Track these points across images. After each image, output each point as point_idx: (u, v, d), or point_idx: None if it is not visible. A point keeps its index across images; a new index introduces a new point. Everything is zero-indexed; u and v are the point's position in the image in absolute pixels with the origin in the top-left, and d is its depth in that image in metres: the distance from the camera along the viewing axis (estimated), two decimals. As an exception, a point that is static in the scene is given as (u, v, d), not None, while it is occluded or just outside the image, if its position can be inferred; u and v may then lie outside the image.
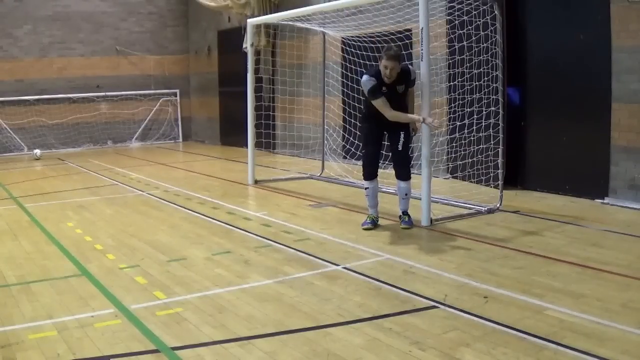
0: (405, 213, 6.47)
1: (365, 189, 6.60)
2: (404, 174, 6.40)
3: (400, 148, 6.36)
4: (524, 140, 8.49)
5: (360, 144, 7.30)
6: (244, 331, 3.84)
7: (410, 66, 6.66)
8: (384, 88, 6.18)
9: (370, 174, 6.50)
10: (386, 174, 7.12)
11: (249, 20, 10.10)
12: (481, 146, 7.90)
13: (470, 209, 7.15)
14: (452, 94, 8.52)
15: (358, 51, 9.56)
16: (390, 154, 6.44)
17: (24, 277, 5.08)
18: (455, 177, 8.73)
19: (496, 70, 7.36)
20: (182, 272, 5.15)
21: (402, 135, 6.35)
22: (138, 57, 17.17)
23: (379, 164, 6.56)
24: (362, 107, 6.93)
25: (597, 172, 7.52)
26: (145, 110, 17.46)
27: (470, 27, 7.83)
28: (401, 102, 6.37)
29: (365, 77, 6.25)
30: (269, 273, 5.05)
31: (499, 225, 6.48)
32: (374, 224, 6.47)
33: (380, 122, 6.36)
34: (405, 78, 6.27)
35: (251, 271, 5.17)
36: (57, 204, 8.51)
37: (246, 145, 10.19)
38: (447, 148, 8.78)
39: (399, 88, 6.25)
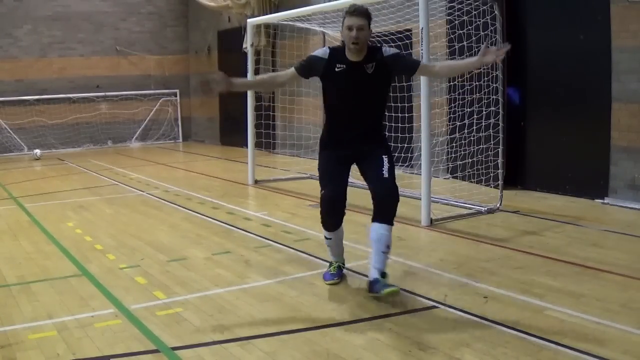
0: (383, 274, 4.32)
1: (327, 239, 4.70)
2: (388, 213, 4.31)
3: (385, 174, 4.33)
4: (524, 140, 8.49)
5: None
6: (244, 331, 3.84)
7: (378, 45, 4.80)
8: (341, 66, 4.30)
9: (334, 224, 4.56)
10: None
11: (249, 20, 10.10)
12: (481, 146, 7.90)
13: (470, 209, 7.15)
14: (452, 94, 8.51)
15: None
16: (369, 185, 4.41)
17: (24, 277, 5.08)
18: (455, 177, 8.73)
19: (496, 70, 7.36)
20: (182, 272, 5.15)
21: (385, 159, 4.38)
22: (138, 57, 17.17)
23: (345, 207, 4.50)
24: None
25: (597, 172, 7.52)
26: (145, 110, 17.46)
27: (470, 27, 7.83)
28: (372, 93, 4.38)
29: (323, 48, 4.60)
30: (269, 273, 5.05)
31: (499, 225, 6.48)
32: (340, 275, 4.79)
33: (346, 139, 4.42)
34: (376, 56, 4.33)
35: (251, 271, 5.17)
36: (57, 204, 8.51)
37: (246, 145, 10.19)
38: (447, 148, 8.78)
39: (368, 68, 4.29)
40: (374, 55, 4.33)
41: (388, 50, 4.41)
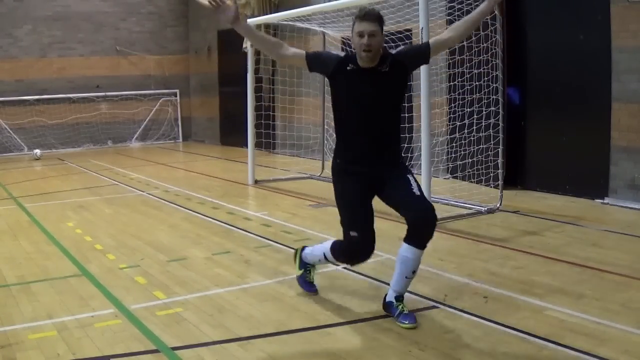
0: (400, 298, 4.00)
1: (332, 263, 4.47)
2: (425, 238, 3.90)
3: (416, 192, 3.92)
4: (524, 140, 8.49)
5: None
6: (244, 331, 3.84)
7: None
8: (352, 66, 3.93)
9: (358, 264, 4.24)
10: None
11: (249, 20, 10.10)
12: (481, 146, 7.90)
13: (470, 209, 7.15)
14: (452, 94, 8.51)
15: (358, 51, 9.54)
16: (401, 207, 3.95)
17: (24, 277, 5.08)
18: (455, 177, 8.73)
19: (496, 70, 7.36)
20: (182, 272, 5.15)
21: (410, 178, 3.99)
22: (138, 57, 17.16)
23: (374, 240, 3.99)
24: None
25: (597, 172, 7.53)
26: (145, 110, 17.45)
27: (470, 27, 7.82)
28: (388, 93, 3.95)
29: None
30: (269, 273, 5.05)
31: (499, 225, 6.48)
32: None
33: (362, 152, 3.98)
34: (388, 58, 3.95)
35: (251, 271, 5.17)
36: (57, 204, 8.51)
37: (246, 145, 10.19)
38: (447, 148, 8.78)
39: (382, 68, 3.91)
40: (386, 60, 3.95)
41: (397, 49, 4.11)
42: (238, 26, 4.19)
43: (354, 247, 3.99)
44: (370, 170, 3.97)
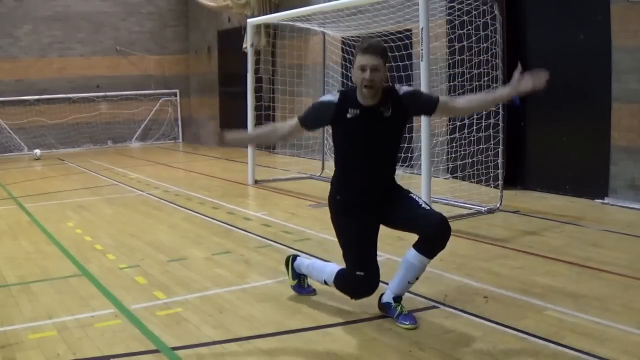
0: (398, 299, 3.97)
1: (328, 286, 4.23)
2: (437, 250, 3.83)
3: (426, 207, 3.91)
4: (524, 140, 8.49)
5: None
6: (244, 331, 3.84)
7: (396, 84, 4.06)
8: (353, 111, 3.77)
9: (367, 295, 4.03)
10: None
11: (249, 20, 10.11)
12: (481, 146, 7.90)
13: (470, 209, 7.15)
14: (452, 94, 8.51)
15: (358, 51, 9.53)
16: (415, 224, 3.84)
17: (24, 277, 5.08)
18: (455, 177, 8.74)
19: (496, 70, 7.36)
20: (182, 272, 5.15)
21: (414, 196, 3.97)
22: (138, 57, 17.16)
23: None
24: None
25: (597, 172, 7.52)
26: (145, 110, 17.45)
27: (470, 27, 7.83)
28: (389, 139, 3.89)
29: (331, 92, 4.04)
30: (269, 273, 5.05)
31: (499, 225, 6.48)
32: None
33: (361, 190, 3.91)
34: (393, 97, 3.82)
35: (251, 271, 5.17)
36: (57, 204, 8.51)
37: (246, 145, 10.19)
38: (447, 148, 8.78)
39: (385, 111, 3.78)
40: (389, 98, 3.79)
41: (403, 88, 3.90)
42: (228, 143, 4.13)
43: (360, 286, 3.95)
44: (371, 202, 3.92)
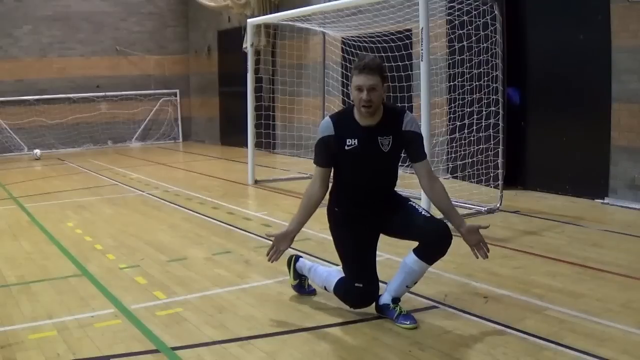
0: (397, 300, 3.96)
1: (327, 292, 4.25)
2: (437, 256, 3.86)
3: (427, 214, 3.91)
4: (524, 140, 8.50)
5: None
6: (244, 331, 3.84)
7: (399, 106, 4.18)
8: (351, 142, 3.78)
9: (366, 305, 4.05)
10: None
11: (249, 20, 10.10)
12: (481, 146, 7.90)
13: (470, 209, 7.14)
14: (452, 94, 8.51)
15: (358, 51, 9.55)
16: (416, 232, 3.84)
17: (24, 277, 5.08)
18: (455, 177, 8.73)
19: (496, 70, 7.35)
20: (182, 272, 5.15)
21: (413, 204, 4.01)
22: (138, 57, 17.17)
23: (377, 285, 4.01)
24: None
25: (597, 172, 7.53)
26: (145, 110, 17.46)
27: (470, 27, 7.83)
28: (388, 168, 3.94)
29: (324, 120, 3.94)
30: (269, 273, 5.05)
31: (499, 225, 6.48)
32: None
33: (364, 206, 3.94)
34: (394, 123, 3.81)
35: (251, 271, 5.17)
36: (57, 204, 8.51)
37: (246, 145, 10.19)
38: (447, 148, 8.77)
39: (384, 142, 3.80)
40: (391, 122, 3.78)
41: (410, 120, 3.83)
42: (293, 234, 4.04)
43: (359, 297, 3.99)
44: (371, 213, 3.94)
